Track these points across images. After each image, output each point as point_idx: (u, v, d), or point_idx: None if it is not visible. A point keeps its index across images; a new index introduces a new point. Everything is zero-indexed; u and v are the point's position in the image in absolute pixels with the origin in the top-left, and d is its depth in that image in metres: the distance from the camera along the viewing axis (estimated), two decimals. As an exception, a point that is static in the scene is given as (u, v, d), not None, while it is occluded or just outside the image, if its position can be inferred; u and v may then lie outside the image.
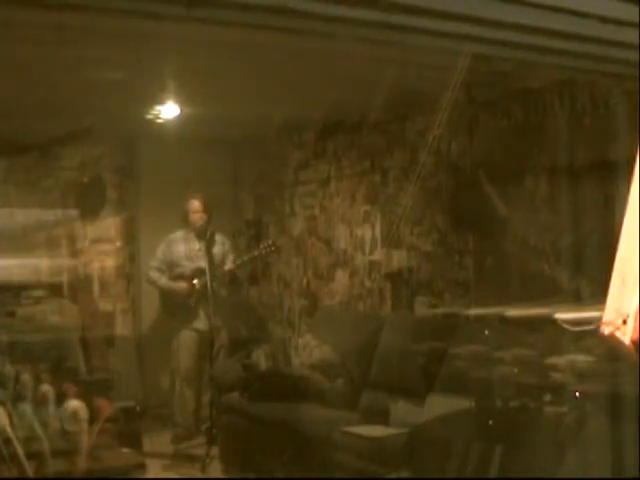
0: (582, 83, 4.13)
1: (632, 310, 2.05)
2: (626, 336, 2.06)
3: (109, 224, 6.97)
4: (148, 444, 5.25)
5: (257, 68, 4.44)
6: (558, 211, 4.36)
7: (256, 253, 6.08)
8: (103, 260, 6.94)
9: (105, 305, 6.94)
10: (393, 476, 3.87)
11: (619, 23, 2.31)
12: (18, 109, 5.24)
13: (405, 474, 3.79)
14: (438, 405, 3.97)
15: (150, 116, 5.71)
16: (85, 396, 3.66)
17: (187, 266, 5.93)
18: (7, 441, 3.09)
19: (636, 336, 2.05)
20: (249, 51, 3.93)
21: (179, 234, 6.04)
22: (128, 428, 4.61)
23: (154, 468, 5.00)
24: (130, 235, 7.03)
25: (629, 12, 2.25)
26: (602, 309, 2.15)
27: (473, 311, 4.41)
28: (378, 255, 5.81)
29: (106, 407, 3.57)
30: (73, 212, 6.82)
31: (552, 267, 4.37)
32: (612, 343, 2.18)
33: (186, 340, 5.91)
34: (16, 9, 2.43)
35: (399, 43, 2.56)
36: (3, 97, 4.87)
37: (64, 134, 6.19)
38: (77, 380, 4.91)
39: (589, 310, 3.07)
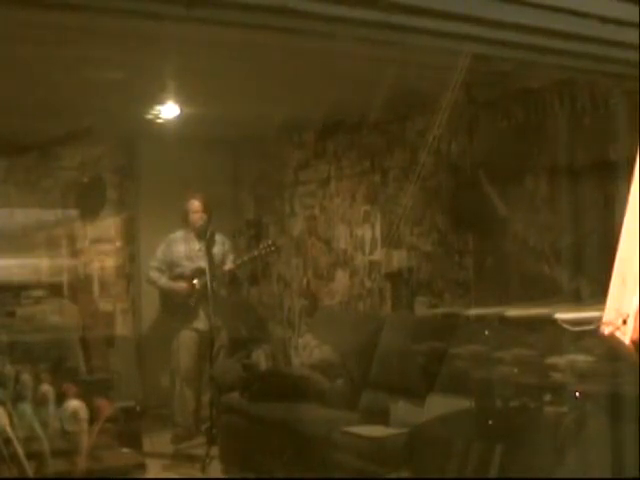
0: (582, 83, 4.13)
1: (632, 310, 2.05)
2: (626, 336, 2.06)
3: (109, 224, 6.97)
4: (148, 444, 5.25)
5: (257, 68, 4.44)
6: (558, 211, 4.36)
7: (256, 253, 6.08)
8: (103, 260, 6.94)
9: (105, 305, 6.94)
10: (393, 476, 3.87)
11: (619, 23, 2.31)
12: (18, 109, 5.24)
13: (405, 474, 3.79)
14: (438, 405, 3.97)
15: (150, 116, 5.71)
16: (85, 396, 3.66)
17: (187, 266, 5.93)
18: (7, 441, 3.09)
19: (636, 336, 2.05)
20: (249, 51, 3.93)
21: (179, 234, 6.04)
22: (128, 428, 4.61)
23: (154, 468, 5.00)
24: (130, 235, 7.03)
25: (629, 12, 2.25)
26: (602, 309, 2.15)
27: (473, 311, 4.41)
28: (378, 255, 5.81)
29: (106, 407, 3.57)
30: (73, 212, 6.82)
31: (552, 267, 4.37)
32: (612, 343, 2.18)
33: (186, 340, 5.91)
34: (16, 9, 2.43)
35: (399, 43, 2.56)
36: (3, 97, 4.87)
37: (64, 134, 6.19)
38: (77, 380, 4.91)
39: (589, 310, 3.07)
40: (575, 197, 4.25)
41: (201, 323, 5.85)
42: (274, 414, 4.90)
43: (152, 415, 5.99)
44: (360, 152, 5.97)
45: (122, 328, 6.96)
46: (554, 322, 3.30)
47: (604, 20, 2.29)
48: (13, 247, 6.42)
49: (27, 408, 3.50)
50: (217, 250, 5.96)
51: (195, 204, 5.91)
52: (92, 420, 3.48)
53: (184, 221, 5.99)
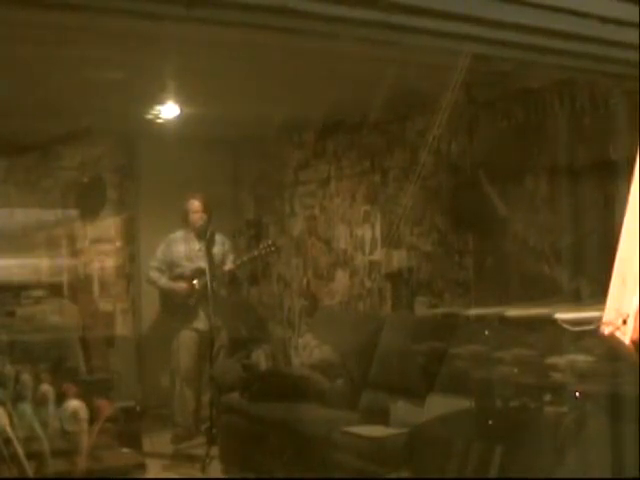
0: (582, 83, 4.13)
1: (632, 310, 2.05)
2: (626, 336, 2.06)
3: (109, 224, 6.97)
4: (148, 444, 5.25)
5: (257, 68, 4.44)
6: (558, 211, 4.36)
7: (256, 253, 6.08)
8: (103, 260, 6.93)
9: (105, 305, 6.93)
10: (393, 476, 3.87)
11: (619, 23, 2.31)
12: (18, 109, 5.24)
13: (405, 474, 3.79)
14: (438, 405, 3.97)
15: (150, 116, 5.71)
16: (85, 396, 3.66)
17: (187, 266, 5.93)
18: (7, 441, 3.09)
19: (636, 336, 2.05)
20: (249, 51, 3.92)
21: (179, 234, 6.04)
22: (128, 428, 4.61)
23: (154, 468, 5.00)
24: (130, 235, 7.03)
25: (629, 12, 2.25)
26: (602, 309, 2.15)
27: (473, 311, 4.41)
28: (378, 255, 5.81)
29: (106, 407, 3.58)
30: (73, 212, 6.82)
31: (552, 267, 4.37)
32: (612, 343, 2.18)
33: (186, 340, 5.91)
34: (16, 9, 2.43)
35: (399, 43, 2.56)
36: (3, 97, 4.87)
37: (64, 134, 6.19)
38: (77, 380, 4.91)
39: (589, 310, 3.07)
40: (575, 197, 4.25)
41: (201, 323, 5.85)
42: (274, 414, 4.90)
43: (152, 415, 5.99)
44: (360, 152, 5.97)
45: (122, 328, 6.96)
46: (554, 322, 3.30)
47: (604, 20, 2.28)
48: (13, 247, 6.42)
49: (27, 408, 3.50)
50: (217, 250, 5.96)
51: (195, 204, 5.91)
52: (92, 420, 3.48)
53: (184, 221, 5.99)
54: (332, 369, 5.13)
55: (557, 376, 3.32)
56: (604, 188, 3.99)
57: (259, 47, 3.66)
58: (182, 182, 6.13)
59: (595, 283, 3.86)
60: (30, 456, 3.14)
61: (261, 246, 6.07)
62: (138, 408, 5.24)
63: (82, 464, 3.30)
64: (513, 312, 3.80)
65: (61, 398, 3.66)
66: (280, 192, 6.92)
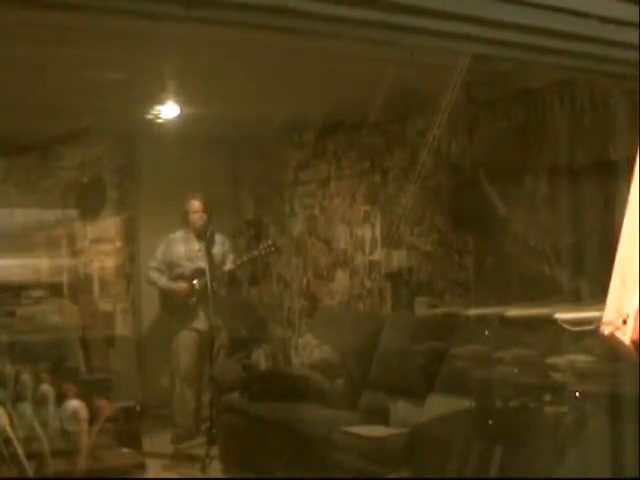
0: (582, 83, 4.13)
1: (632, 310, 2.05)
2: (626, 336, 2.06)
3: (109, 224, 6.97)
4: (148, 444, 5.25)
5: (257, 68, 4.44)
6: (558, 211, 4.36)
7: (256, 253, 6.08)
8: (103, 260, 6.93)
9: (105, 305, 6.93)
10: (393, 476, 3.87)
11: (619, 23, 2.31)
12: (18, 109, 5.24)
13: (405, 474, 3.79)
14: (438, 405, 3.97)
15: (150, 116, 5.71)
16: (85, 396, 3.67)
17: (187, 266, 5.92)
18: (7, 441, 3.09)
19: (636, 336, 2.05)
20: (249, 51, 3.92)
21: (179, 234, 6.04)
22: (128, 428, 4.61)
23: (154, 468, 5.00)
24: (130, 235, 7.03)
25: (629, 12, 2.25)
26: (602, 309, 2.15)
27: (473, 311, 4.41)
28: (378, 255, 5.81)
29: (106, 407, 3.58)
30: (73, 212, 6.82)
31: (552, 267, 4.37)
32: (612, 343, 2.18)
33: (186, 340, 5.91)
34: (16, 9, 2.43)
35: (399, 43, 2.56)
36: (3, 97, 4.87)
37: (64, 134, 6.19)
38: (77, 380, 4.91)
39: (589, 310, 3.07)
40: (575, 197, 4.25)
41: (201, 323, 5.85)
42: (274, 414, 4.90)
43: (152, 415, 6.00)
44: (360, 152, 5.97)
45: (122, 328, 6.96)
46: (554, 322, 3.30)
47: (604, 20, 2.28)
48: (13, 247, 6.42)
49: (27, 408, 3.50)
50: (217, 250, 5.96)
51: (195, 204, 5.91)
52: (92, 420, 3.49)
53: (184, 221, 5.99)
54: (332, 369, 5.13)
55: (557, 376, 3.32)
56: (604, 188, 3.99)
57: (259, 47, 3.66)
58: (182, 182, 6.13)
59: (595, 283, 3.85)
60: (30, 456, 3.14)
61: (261, 246, 6.07)
62: (138, 408, 5.23)
63: (82, 464, 3.30)
64: (513, 312, 3.80)
65: (61, 398, 3.67)
66: (280, 192, 6.92)
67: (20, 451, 3.07)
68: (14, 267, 6.38)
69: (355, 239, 6.03)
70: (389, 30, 2.31)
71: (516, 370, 3.51)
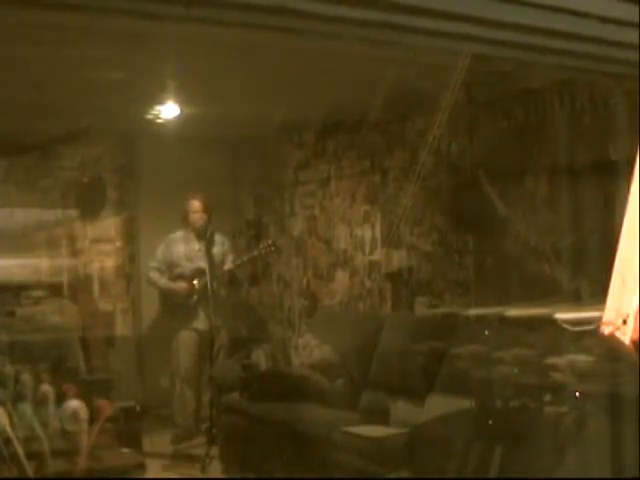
0: (582, 83, 4.13)
1: (632, 310, 2.05)
2: (626, 336, 2.06)
3: (109, 224, 6.97)
4: (148, 444, 5.25)
5: (257, 68, 4.44)
6: (558, 211, 4.36)
7: (256, 253, 6.08)
8: (103, 260, 6.93)
9: (105, 305, 6.93)
10: (393, 476, 3.87)
11: (619, 23, 2.31)
12: (18, 109, 5.24)
13: (405, 474, 3.79)
14: (438, 405, 3.97)
15: (150, 116, 5.71)
16: (85, 396, 3.67)
17: (187, 266, 5.92)
18: (7, 441, 3.09)
19: (636, 336, 2.05)
20: (249, 51, 3.92)
21: (179, 234, 6.04)
22: (128, 428, 4.62)
23: (154, 468, 5.00)
24: (130, 235, 7.03)
25: (629, 12, 2.25)
26: (602, 309, 2.15)
27: (473, 311, 4.41)
28: (378, 255, 5.81)
29: (106, 407, 3.58)
30: (73, 212, 6.82)
31: (552, 267, 4.37)
32: (612, 343, 2.18)
33: (186, 340, 5.91)
34: (16, 9, 2.43)
35: (399, 43, 2.56)
36: (3, 97, 4.87)
37: (64, 134, 6.19)
38: (77, 380, 4.91)
39: (589, 310, 3.07)
40: (575, 197, 4.25)
41: (201, 323, 5.85)
42: (274, 414, 4.90)
43: (152, 415, 6.00)
44: (360, 152, 5.97)
45: (122, 328, 6.96)
46: (554, 322, 3.30)
47: (604, 20, 2.28)
48: (13, 247, 6.42)
49: (27, 408, 3.50)
50: (217, 250, 5.96)
51: (195, 204, 5.91)
52: (92, 420, 3.49)
53: (184, 221, 5.99)
54: (332, 369, 5.13)
55: (557, 376, 3.31)
56: (604, 188, 3.99)
57: (259, 47, 3.66)
58: (182, 182, 6.13)
59: (595, 283, 3.85)
60: (30, 456, 3.14)
61: (261, 246, 6.07)
62: (138, 408, 5.23)
63: (82, 464, 3.30)
64: (513, 312, 3.80)
65: (61, 398, 3.67)
66: (280, 192, 6.92)
67: (20, 451, 3.07)
68: (14, 267, 6.38)
69: (355, 239, 6.03)
70: (389, 30, 2.31)
71: (516, 370, 3.51)
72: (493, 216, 4.72)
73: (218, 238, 6.04)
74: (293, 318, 6.75)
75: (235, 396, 5.33)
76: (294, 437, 4.62)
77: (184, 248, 5.99)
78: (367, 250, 5.91)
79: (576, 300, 4.01)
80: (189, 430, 5.91)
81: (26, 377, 3.81)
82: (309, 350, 5.55)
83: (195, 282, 5.84)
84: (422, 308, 5.28)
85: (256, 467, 4.92)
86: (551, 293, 4.24)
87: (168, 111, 5.60)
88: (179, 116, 5.69)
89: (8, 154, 6.40)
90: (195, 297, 5.84)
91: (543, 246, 4.42)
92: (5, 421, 3.19)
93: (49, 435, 3.40)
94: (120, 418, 4.32)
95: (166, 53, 3.97)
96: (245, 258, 6.13)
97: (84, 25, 3.20)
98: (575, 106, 4.22)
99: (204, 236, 5.84)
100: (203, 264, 5.69)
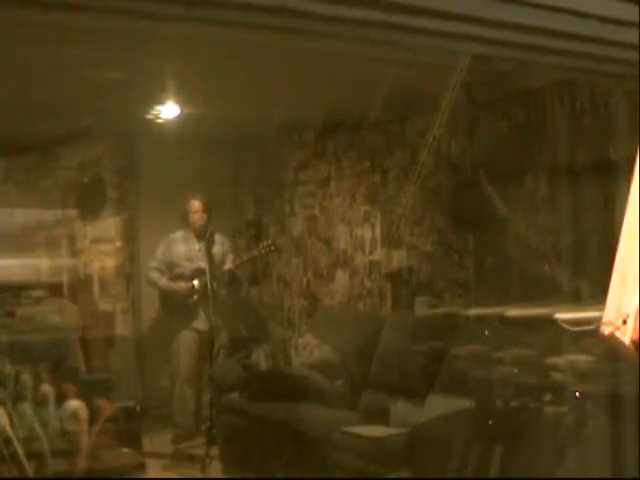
0: (582, 83, 4.13)
1: (632, 310, 2.05)
2: (626, 336, 2.06)
3: (109, 224, 6.97)
4: (148, 444, 5.25)
5: (257, 68, 4.44)
6: (558, 211, 4.36)
7: (256, 253, 6.08)
8: (103, 260, 6.93)
9: (105, 305, 6.93)
10: (393, 476, 3.87)
11: (619, 23, 2.31)
12: (18, 109, 5.24)
13: (405, 474, 3.79)
14: (438, 405, 3.97)
15: (150, 116, 5.71)
16: (85, 396, 3.67)
17: (187, 266, 5.92)
18: (7, 441, 3.09)
19: (636, 336, 2.05)
20: (249, 51, 3.92)
21: (179, 234, 6.04)
22: (128, 428, 4.62)
23: (154, 468, 5.00)
24: (130, 235, 7.03)
25: (629, 12, 2.24)
26: (602, 309, 2.15)
27: (473, 311, 4.41)
28: (378, 255, 5.81)
29: (106, 407, 3.58)
30: (73, 212, 6.82)
31: (552, 267, 4.37)
32: (612, 343, 2.18)
33: (186, 340, 5.91)
34: (16, 9, 2.43)
35: (399, 43, 2.56)
36: (3, 97, 4.87)
37: (64, 134, 6.19)
38: (77, 380, 4.91)
39: (589, 310, 3.07)
40: (575, 197, 4.25)
41: (201, 323, 5.85)
42: (274, 414, 4.90)
43: (152, 415, 6.00)
44: (360, 152, 5.97)
45: (122, 328, 6.96)
46: (554, 322, 3.30)
47: (604, 20, 2.28)
48: (13, 247, 6.42)
49: (27, 408, 3.50)
50: (217, 250, 5.96)
51: (195, 204, 5.91)
52: (92, 420, 3.48)
53: (184, 221, 5.99)
54: (332, 369, 5.13)
55: (557, 376, 3.31)
56: (604, 188, 3.99)
57: (259, 47, 3.66)
58: (182, 182, 6.13)
59: (595, 283, 3.85)
60: (30, 456, 3.14)
61: (261, 246, 6.07)
62: (138, 408, 5.24)
63: (82, 464, 3.30)
64: (513, 312, 3.80)
65: (61, 398, 3.67)
66: (280, 192, 6.92)
67: (20, 451, 3.07)
68: (14, 267, 6.38)
69: (355, 239, 6.03)
70: (389, 30, 2.30)
71: (516, 370, 3.51)
72: (493, 216, 4.72)
73: (218, 238, 6.04)
74: (293, 318, 6.75)
75: (235, 396, 5.33)
76: (294, 437, 4.62)
77: (184, 248, 5.99)
78: (367, 250, 5.91)
79: (576, 300, 4.01)
80: (189, 430, 5.91)
81: (26, 377, 3.81)
82: (309, 350, 5.55)
83: (195, 282, 5.84)
84: (422, 308, 5.28)
85: (256, 467, 4.92)
86: (551, 293, 4.24)
87: (168, 111, 5.60)
88: (179, 116, 5.69)
89: (8, 154, 6.40)
90: (195, 297, 5.84)
91: (543, 246, 4.42)
92: (5, 421, 3.19)
93: (49, 435, 3.40)
94: (120, 418, 4.32)
95: (166, 53, 3.96)
96: (245, 258, 6.12)
97: (84, 25, 3.20)
98: (575, 106, 4.22)
99: (204, 236, 5.84)
100: (203, 264, 5.69)
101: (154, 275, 6.03)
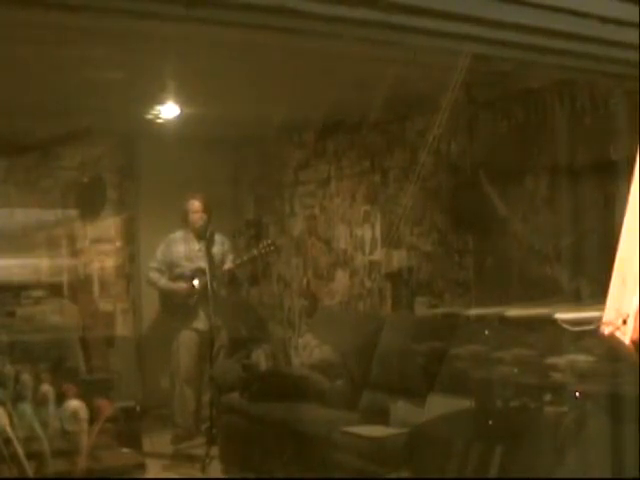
0: (582, 83, 4.13)
1: (632, 310, 2.05)
2: (626, 336, 2.06)
3: (109, 224, 6.97)
4: (148, 444, 5.25)
5: (257, 68, 4.44)
6: (558, 211, 4.36)
7: (256, 253, 6.07)
8: (103, 260, 6.93)
9: (105, 305, 6.93)
10: (393, 476, 3.87)
11: (619, 23, 2.31)
12: (18, 109, 5.24)
13: (405, 474, 3.79)
14: (438, 405, 3.97)
15: (150, 116, 5.71)
16: (85, 396, 3.66)
17: (187, 266, 5.92)
18: (7, 441, 3.09)
19: (636, 336, 2.05)
20: (249, 51, 3.92)
21: (179, 234, 6.04)
22: (128, 428, 4.62)
23: (154, 468, 5.00)
24: (130, 235, 7.03)
25: (629, 12, 2.25)
26: (602, 309, 2.15)
27: (473, 311, 4.41)
28: (378, 255, 5.81)
29: (106, 407, 3.57)
30: (73, 212, 6.82)
31: (552, 267, 4.37)
32: (612, 343, 2.18)
33: (186, 340, 5.91)
34: (16, 9, 2.43)
35: (399, 43, 2.56)
36: (3, 97, 4.87)
37: (64, 134, 6.19)
38: (77, 380, 4.91)
39: (589, 310, 3.07)
40: (575, 197, 4.25)
41: (201, 323, 5.85)
42: (274, 414, 4.90)
43: (152, 415, 6.00)
44: (360, 152, 5.97)
45: (122, 328, 6.96)
46: (554, 322, 3.30)
47: (604, 20, 2.28)
48: (13, 247, 6.42)
49: (27, 408, 3.50)
50: (217, 250, 5.96)
51: (195, 204, 5.91)
52: (92, 420, 3.48)
53: (184, 221, 5.99)
54: (332, 369, 5.13)
55: (557, 376, 3.31)
56: (604, 188, 3.99)
57: (259, 47, 3.66)
58: (182, 182, 6.13)
59: (595, 283, 3.85)
60: (30, 456, 3.14)
61: (261, 246, 6.07)
62: (138, 408, 5.23)
63: (82, 464, 3.30)
64: (513, 312, 3.80)
65: (61, 398, 3.66)
66: (280, 192, 6.92)
67: (20, 451, 3.07)
68: (14, 267, 6.38)
69: (355, 239, 6.03)
70: (389, 30, 2.31)
71: (516, 370, 3.51)
72: (493, 216, 4.72)
73: (218, 238, 6.04)
74: (293, 318, 6.75)
75: (235, 396, 5.33)
76: (294, 437, 4.62)
77: (184, 248, 5.99)
78: (367, 250, 5.91)
79: (576, 300, 4.02)
80: (189, 430, 5.91)
81: (26, 377, 3.81)
82: (309, 350, 5.55)
83: (195, 282, 5.84)
84: (422, 308, 5.28)
85: (256, 467, 4.92)
86: (551, 293, 4.24)
87: (168, 111, 5.60)
88: (179, 116, 5.69)
89: (8, 154, 6.40)
90: (195, 297, 5.84)
91: (543, 246, 4.42)
92: (5, 421, 3.19)
93: (49, 435, 3.39)
94: (120, 418, 4.32)
95: (166, 53, 3.97)
96: (245, 258, 6.12)
97: (84, 25, 3.19)
98: (575, 106, 4.22)
99: (204, 236, 5.84)
100: (203, 264, 5.69)
101: (154, 275, 6.03)
